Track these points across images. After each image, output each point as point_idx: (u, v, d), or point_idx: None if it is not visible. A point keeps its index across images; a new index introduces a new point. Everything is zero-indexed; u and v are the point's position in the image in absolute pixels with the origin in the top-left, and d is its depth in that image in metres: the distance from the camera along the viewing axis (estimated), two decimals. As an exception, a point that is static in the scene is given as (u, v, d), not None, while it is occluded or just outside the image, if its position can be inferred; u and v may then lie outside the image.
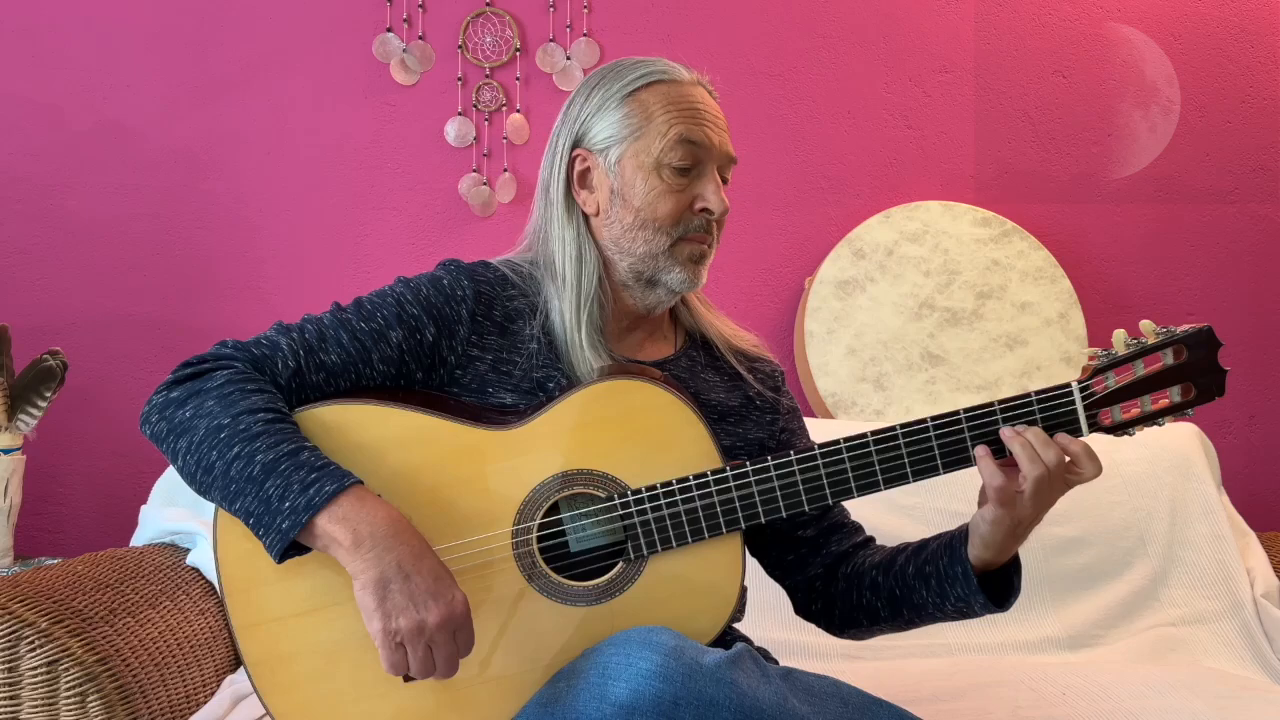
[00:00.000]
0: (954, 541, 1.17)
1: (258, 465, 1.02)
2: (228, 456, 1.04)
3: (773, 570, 1.34)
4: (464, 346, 1.20)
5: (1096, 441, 1.15)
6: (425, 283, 1.21)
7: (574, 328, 1.19)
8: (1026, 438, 1.09)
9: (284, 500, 1.01)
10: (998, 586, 1.18)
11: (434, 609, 0.99)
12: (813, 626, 1.35)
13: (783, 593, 1.37)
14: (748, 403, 1.29)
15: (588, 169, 1.23)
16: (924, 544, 1.22)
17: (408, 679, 1.08)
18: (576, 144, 1.24)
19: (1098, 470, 1.10)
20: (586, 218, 1.24)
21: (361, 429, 1.12)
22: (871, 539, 1.33)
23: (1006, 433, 1.10)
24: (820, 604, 1.30)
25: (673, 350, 1.30)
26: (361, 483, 1.04)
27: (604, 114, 1.22)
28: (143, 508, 1.92)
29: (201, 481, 1.07)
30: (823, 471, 1.12)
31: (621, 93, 1.21)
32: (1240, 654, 1.81)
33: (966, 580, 1.15)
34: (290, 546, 1.02)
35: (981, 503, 1.12)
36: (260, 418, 1.05)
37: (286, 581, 1.09)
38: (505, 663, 1.10)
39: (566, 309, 1.20)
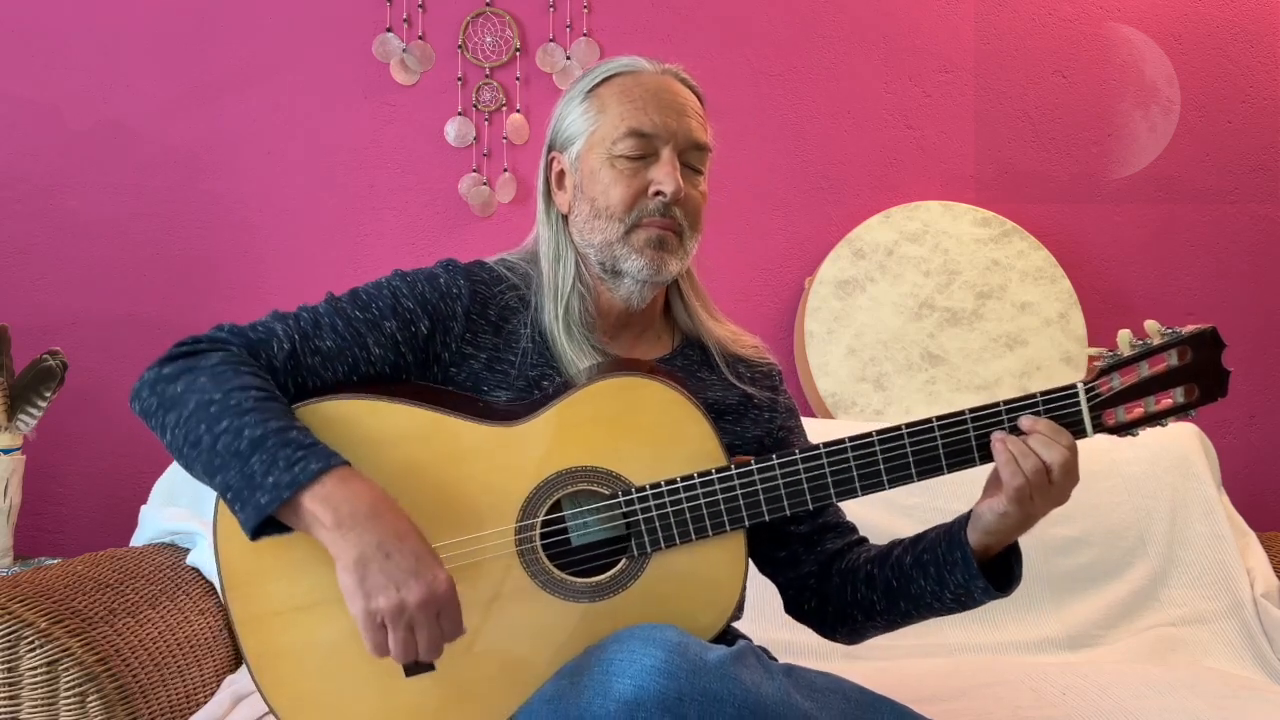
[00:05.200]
0: (953, 528, 1.17)
1: (245, 440, 1.01)
2: (215, 430, 1.03)
3: (764, 566, 1.34)
4: (458, 344, 1.20)
5: (1098, 441, 1.15)
6: (422, 279, 1.21)
7: (553, 323, 1.21)
8: (1008, 446, 1.08)
9: (268, 476, 0.99)
10: (997, 574, 1.17)
11: (415, 588, 0.97)
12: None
13: (782, 593, 1.36)
14: (745, 400, 1.29)
15: (562, 170, 1.26)
16: (921, 535, 1.22)
17: (409, 672, 1.08)
18: (551, 146, 1.28)
19: (1069, 442, 1.09)
20: (565, 218, 1.26)
21: (363, 424, 1.11)
22: (865, 539, 1.32)
23: (995, 437, 1.10)
24: (814, 602, 1.30)
25: (668, 350, 1.29)
26: (348, 463, 1.03)
27: (568, 113, 1.26)
28: (143, 508, 1.92)
29: (187, 456, 1.05)
30: (827, 470, 1.12)
31: (584, 90, 1.25)
32: (1240, 654, 1.81)
33: (966, 565, 1.14)
34: (267, 523, 1.00)
35: (989, 493, 1.11)
36: (252, 395, 1.05)
37: (288, 576, 1.09)
38: (508, 659, 1.10)
39: (548, 306, 1.22)
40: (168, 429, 1.07)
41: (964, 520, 1.16)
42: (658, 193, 1.19)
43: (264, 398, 1.05)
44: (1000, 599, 1.17)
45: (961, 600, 1.18)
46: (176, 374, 1.09)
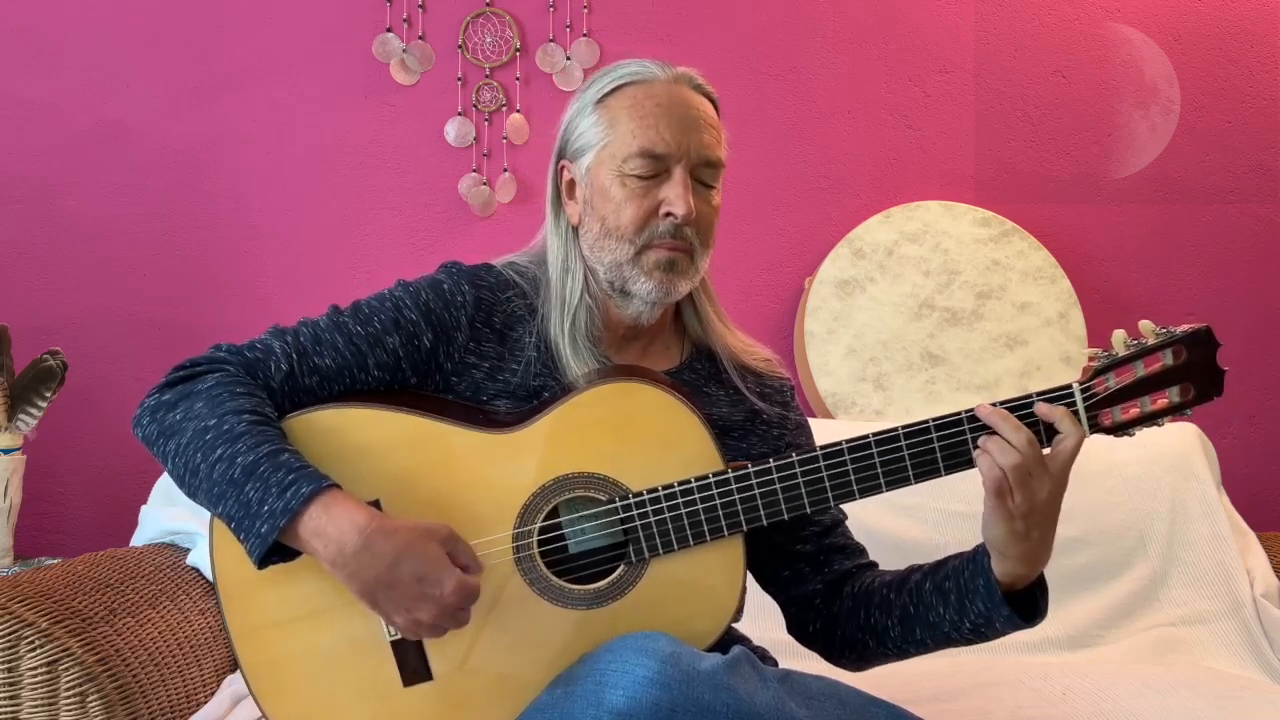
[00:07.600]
0: (977, 556, 1.14)
1: (238, 467, 1.02)
2: (211, 459, 1.03)
3: (768, 585, 1.31)
4: (461, 354, 1.19)
5: (1095, 441, 1.14)
6: (425, 287, 1.19)
7: (559, 336, 1.19)
8: (991, 438, 1.07)
9: (263, 504, 1.00)
10: (1021, 606, 1.14)
11: (424, 609, 1.00)
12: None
13: (783, 592, 1.36)
14: (753, 417, 1.27)
15: (572, 180, 1.23)
16: (942, 562, 1.19)
17: (407, 681, 1.09)
18: (561, 154, 1.24)
19: (1079, 432, 1.08)
20: (575, 229, 1.23)
21: (360, 432, 1.11)
22: (875, 563, 1.30)
23: (978, 452, 1.09)
24: (820, 623, 1.27)
25: (676, 363, 1.27)
26: (337, 486, 1.03)
27: (579, 122, 1.22)
28: (143, 508, 1.93)
29: (189, 484, 1.06)
30: (824, 473, 1.12)
31: (594, 99, 1.21)
32: (1240, 654, 1.81)
33: (989, 594, 1.11)
34: (272, 551, 1.01)
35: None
36: (245, 419, 1.05)
37: (284, 586, 1.09)
38: (506, 667, 1.10)
39: (554, 318, 1.20)
40: (168, 457, 1.08)
41: (985, 548, 1.13)
42: (669, 214, 1.16)
43: (256, 420, 1.05)
44: (1023, 629, 1.14)
45: (981, 631, 1.15)
46: (175, 400, 1.09)
